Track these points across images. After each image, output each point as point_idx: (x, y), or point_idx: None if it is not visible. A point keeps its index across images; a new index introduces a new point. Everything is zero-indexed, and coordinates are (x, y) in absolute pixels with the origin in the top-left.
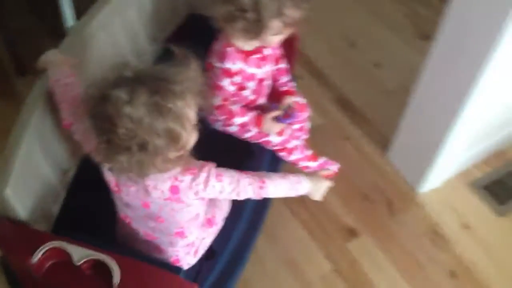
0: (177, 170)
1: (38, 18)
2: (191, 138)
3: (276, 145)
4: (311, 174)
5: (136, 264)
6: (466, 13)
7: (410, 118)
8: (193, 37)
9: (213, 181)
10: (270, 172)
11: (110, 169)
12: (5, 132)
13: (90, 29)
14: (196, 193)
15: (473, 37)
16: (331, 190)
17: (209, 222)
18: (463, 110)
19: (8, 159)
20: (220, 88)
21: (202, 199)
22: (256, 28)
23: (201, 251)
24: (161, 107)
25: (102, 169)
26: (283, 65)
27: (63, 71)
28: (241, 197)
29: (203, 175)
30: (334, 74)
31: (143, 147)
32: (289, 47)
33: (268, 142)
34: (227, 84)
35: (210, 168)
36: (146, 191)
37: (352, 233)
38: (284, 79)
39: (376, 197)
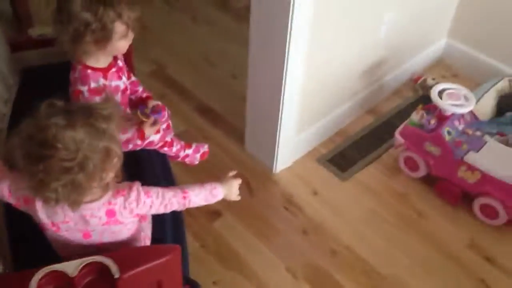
0: (108, 195)
1: None
2: (120, 158)
3: (158, 142)
4: (222, 179)
5: (121, 254)
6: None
7: (250, 110)
8: (40, 87)
9: (143, 198)
10: (188, 184)
11: (45, 201)
12: None
13: None
14: (131, 211)
15: (274, 29)
16: (194, 181)
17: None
18: (281, 95)
19: None
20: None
21: (138, 215)
22: (104, 35)
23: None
24: (97, 128)
25: (35, 215)
26: (134, 78)
27: None
28: (168, 210)
29: (133, 194)
30: (196, 88)
31: (83, 166)
32: (128, 60)
33: (151, 142)
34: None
35: (138, 187)
36: (85, 221)
37: (216, 214)
38: (140, 88)
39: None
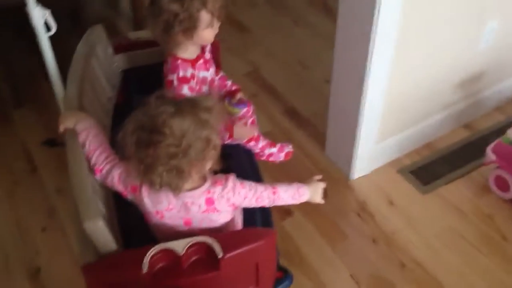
0: (207, 184)
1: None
2: (219, 148)
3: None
4: (307, 181)
5: (224, 236)
6: (351, 14)
7: (332, 115)
8: (137, 85)
9: (238, 188)
10: (277, 182)
11: (151, 184)
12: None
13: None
14: (228, 200)
15: (358, 32)
16: (273, 180)
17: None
18: (361, 101)
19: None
20: (182, 97)
21: (233, 205)
22: (191, 24)
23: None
24: (201, 118)
25: (141, 203)
26: (222, 73)
27: (85, 123)
28: (259, 203)
29: (230, 184)
30: (287, 91)
31: (186, 153)
32: (216, 57)
33: None
34: (187, 91)
35: (233, 178)
36: (186, 208)
37: (287, 213)
38: (229, 82)
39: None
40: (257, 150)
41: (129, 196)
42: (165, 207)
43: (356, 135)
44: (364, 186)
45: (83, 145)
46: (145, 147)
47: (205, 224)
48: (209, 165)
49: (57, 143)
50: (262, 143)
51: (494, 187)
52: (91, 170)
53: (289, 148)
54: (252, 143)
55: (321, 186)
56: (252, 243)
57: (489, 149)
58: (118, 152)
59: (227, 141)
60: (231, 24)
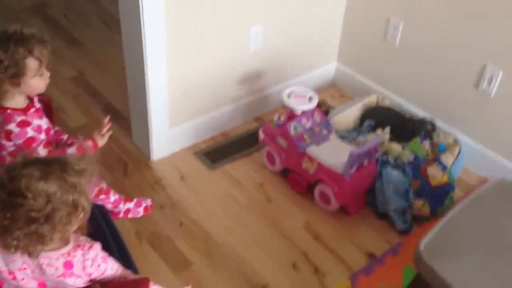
0: (69, 247)
1: None
2: (87, 212)
3: (94, 187)
4: None
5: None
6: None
7: (131, 103)
8: None
9: (100, 261)
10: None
11: (6, 247)
12: None
13: None
14: (84, 268)
15: (133, 25)
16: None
17: None
18: (149, 90)
19: None
20: (32, 139)
21: (89, 275)
22: (16, 71)
23: None
24: (69, 182)
25: None
26: (57, 127)
27: None
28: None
29: (92, 252)
30: (107, 91)
31: (49, 218)
32: (50, 114)
33: None
34: (31, 131)
35: (98, 248)
36: (41, 269)
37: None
38: (65, 136)
39: (116, 164)
40: (109, 205)
41: None
42: (18, 266)
43: (148, 120)
44: (161, 166)
45: None
46: (2, 208)
47: None
48: (74, 228)
49: None
50: (114, 196)
51: (265, 161)
52: None
53: (147, 202)
54: (102, 196)
55: None
56: None
57: (260, 130)
58: None
59: None
60: (64, 39)
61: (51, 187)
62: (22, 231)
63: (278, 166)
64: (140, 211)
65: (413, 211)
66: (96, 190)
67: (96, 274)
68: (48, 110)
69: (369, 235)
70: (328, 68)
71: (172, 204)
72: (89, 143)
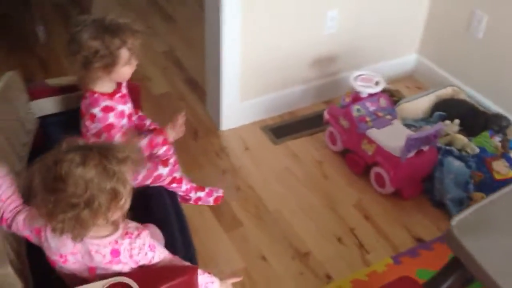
0: (117, 234)
1: None
2: (128, 200)
3: (167, 177)
4: (222, 281)
5: (143, 274)
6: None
7: (207, 75)
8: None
9: (146, 249)
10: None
11: (53, 230)
12: None
13: None
14: (131, 256)
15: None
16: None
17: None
18: (220, 70)
19: None
20: (112, 125)
21: (136, 263)
22: (110, 60)
23: None
24: (108, 169)
25: (44, 246)
26: (141, 113)
27: None
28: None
29: (139, 241)
30: (193, 66)
31: (89, 204)
32: (136, 98)
33: (159, 176)
34: (113, 117)
35: (146, 236)
36: (90, 255)
37: None
38: (147, 122)
39: (188, 129)
40: (181, 193)
41: (34, 239)
42: (69, 250)
43: (221, 92)
44: (229, 136)
45: None
46: (48, 191)
47: (110, 275)
48: (117, 215)
49: None
50: (186, 186)
51: (327, 141)
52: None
53: (218, 193)
54: (174, 185)
55: (230, 284)
56: (171, 280)
57: (325, 111)
58: (26, 191)
59: (147, 183)
60: (160, 15)
61: (88, 173)
62: (65, 215)
63: (339, 146)
64: (211, 200)
65: (471, 203)
66: (168, 179)
67: (143, 262)
68: (136, 95)
69: (420, 221)
70: (406, 59)
71: (234, 171)
72: (160, 139)
